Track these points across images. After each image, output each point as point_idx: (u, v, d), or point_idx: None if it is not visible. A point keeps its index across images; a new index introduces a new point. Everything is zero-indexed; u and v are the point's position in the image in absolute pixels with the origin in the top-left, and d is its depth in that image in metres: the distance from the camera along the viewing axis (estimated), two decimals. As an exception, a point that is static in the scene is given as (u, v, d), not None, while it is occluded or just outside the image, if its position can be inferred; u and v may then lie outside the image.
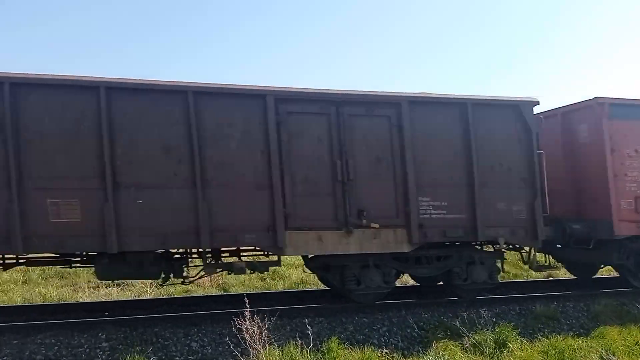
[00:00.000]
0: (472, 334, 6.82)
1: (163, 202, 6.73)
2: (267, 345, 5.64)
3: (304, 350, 6.04)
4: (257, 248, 7.53)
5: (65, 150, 6.46)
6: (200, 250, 7.32)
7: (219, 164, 6.96)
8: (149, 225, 6.66)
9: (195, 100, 6.85)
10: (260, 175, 7.11)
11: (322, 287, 10.38)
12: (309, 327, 6.26)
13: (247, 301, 6.03)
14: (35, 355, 6.11)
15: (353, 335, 7.00)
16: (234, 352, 6.28)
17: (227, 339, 6.65)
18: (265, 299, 8.46)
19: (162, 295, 9.72)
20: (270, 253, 7.59)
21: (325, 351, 6.24)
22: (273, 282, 10.67)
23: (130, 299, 9.28)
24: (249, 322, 5.70)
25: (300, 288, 10.28)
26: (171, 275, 7.47)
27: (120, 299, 9.03)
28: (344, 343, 6.56)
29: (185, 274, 7.68)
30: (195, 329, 6.91)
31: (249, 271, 7.62)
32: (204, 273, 7.69)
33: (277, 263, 7.63)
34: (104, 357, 6.14)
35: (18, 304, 8.73)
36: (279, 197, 7.10)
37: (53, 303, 8.53)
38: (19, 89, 6.33)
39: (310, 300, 8.67)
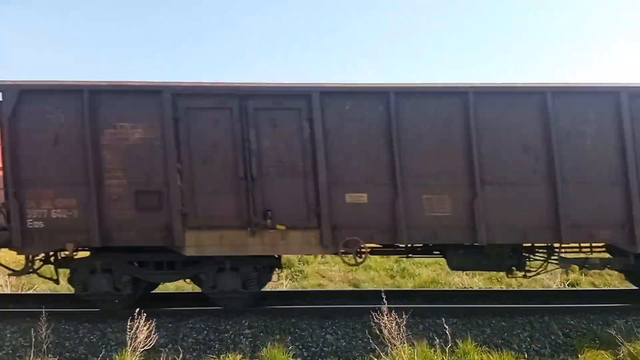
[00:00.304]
0: (629, 344, 6.17)
1: (522, 198, 7.10)
2: (405, 342, 5.62)
3: (438, 350, 5.92)
4: (612, 244, 7.44)
5: (437, 150, 7.10)
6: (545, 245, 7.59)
7: (575, 160, 7.15)
8: (510, 219, 7.08)
9: (552, 100, 7.14)
10: (614, 172, 7.17)
11: (453, 286, 10.09)
12: (447, 327, 6.09)
13: (384, 297, 6.10)
14: (187, 338, 6.72)
15: (490, 339, 6.71)
16: (367, 346, 6.38)
17: (360, 334, 6.79)
18: (396, 296, 8.43)
19: (297, 288, 10.12)
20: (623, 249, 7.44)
21: (461, 353, 6.05)
22: (402, 280, 10.58)
23: (268, 290, 9.78)
24: (387, 318, 5.71)
25: (432, 287, 10.06)
26: (514, 268, 7.73)
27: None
28: (480, 346, 6.31)
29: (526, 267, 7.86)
30: (329, 322, 7.13)
31: (602, 268, 7.63)
32: (543, 268, 7.82)
33: (630, 260, 7.45)
34: (247, 342, 6.57)
35: (171, 291, 9.64)
36: (637, 194, 7.10)
37: (201, 292, 9.29)
38: (399, 97, 7.07)
39: (442, 300, 8.47)
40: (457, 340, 6.23)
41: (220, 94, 7.00)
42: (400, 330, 5.60)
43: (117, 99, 6.96)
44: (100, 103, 6.93)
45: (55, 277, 7.67)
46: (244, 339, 6.65)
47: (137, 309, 5.74)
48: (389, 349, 5.65)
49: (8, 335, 6.75)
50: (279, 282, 10.58)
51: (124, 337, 6.51)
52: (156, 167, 6.94)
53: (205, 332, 6.87)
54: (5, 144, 6.89)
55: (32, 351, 5.72)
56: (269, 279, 7.76)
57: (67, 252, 7.11)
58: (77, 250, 7.42)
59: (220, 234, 7.00)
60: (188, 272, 7.42)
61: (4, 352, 6.32)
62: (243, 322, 7.10)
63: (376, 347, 5.90)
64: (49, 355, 5.84)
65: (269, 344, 6.24)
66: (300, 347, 6.48)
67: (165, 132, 6.91)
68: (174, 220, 6.92)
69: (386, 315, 5.74)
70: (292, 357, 6.07)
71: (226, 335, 6.78)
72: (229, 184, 6.97)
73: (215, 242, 7.01)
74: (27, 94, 6.88)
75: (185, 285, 10.11)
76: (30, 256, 7.26)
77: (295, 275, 11.23)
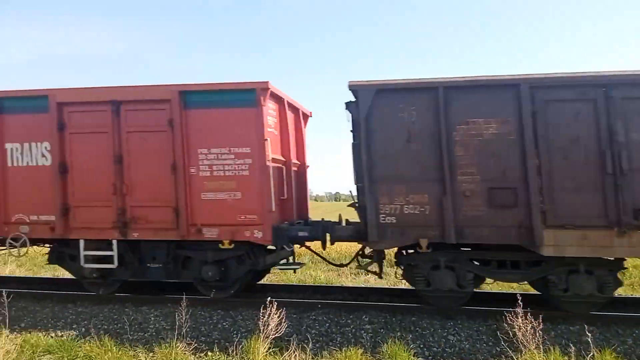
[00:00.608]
0: None
1: None
2: (540, 346, 5.33)
3: (573, 358, 5.52)
4: None
5: None
6: None
7: None
8: None
9: None
10: None
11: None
12: (589, 334, 5.60)
13: (519, 298, 5.85)
14: (310, 329, 6.94)
15: (632, 350, 6.11)
16: (493, 350, 6.13)
17: (485, 336, 6.54)
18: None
19: (416, 287, 9.98)
20: None
21: (598, 363, 5.59)
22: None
23: (386, 287, 9.79)
24: (522, 320, 5.46)
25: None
26: None
27: (378, 286, 9.60)
28: (621, 357, 5.77)
29: None
30: (451, 323, 6.96)
31: None
32: None
33: None
34: (367, 337, 6.63)
35: (294, 283, 10.03)
36: None
37: (322, 285, 9.56)
38: None
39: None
40: (593, 349, 5.76)
41: (582, 84, 6.70)
42: (536, 334, 5.31)
43: (470, 94, 6.95)
44: (452, 99, 6.97)
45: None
46: (365, 334, 6.73)
47: (269, 298, 6.04)
48: (521, 354, 5.39)
49: (152, 318, 7.47)
50: (398, 280, 10.55)
51: (252, 325, 6.94)
52: (511, 163, 6.82)
53: (327, 324, 7.05)
54: (362, 142, 7.14)
55: (175, 334, 6.26)
56: (621, 283, 7.23)
57: (420, 248, 7.14)
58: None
59: (583, 233, 6.62)
60: (535, 272, 7.15)
61: (149, 334, 7.01)
62: (363, 317, 7.18)
63: (507, 349, 5.67)
64: (187, 338, 6.35)
65: (390, 340, 6.24)
66: (422, 346, 6.40)
67: (522, 127, 6.76)
68: (532, 218, 6.69)
69: (521, 318, 5.48)
70: (414, 356, 6.02)
71: (347, 329, 6.91)
72: (592, 179, 6.64)
73: (576, 242, 6.64)
74: (381, 94, 7.10)
75: (307, 279, 10.47)
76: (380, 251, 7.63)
77: (414, 273, 11.09)
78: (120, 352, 6.11)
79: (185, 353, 6.02)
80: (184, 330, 6.32)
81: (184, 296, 6.86)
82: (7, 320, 6.90)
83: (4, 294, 6.96)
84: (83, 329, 7.15)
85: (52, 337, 6.73)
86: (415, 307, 7.49)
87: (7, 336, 6.44)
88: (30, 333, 6.77)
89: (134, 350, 6.29)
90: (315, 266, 11.49)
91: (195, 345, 6.31)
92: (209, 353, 6.17)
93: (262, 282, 10.29)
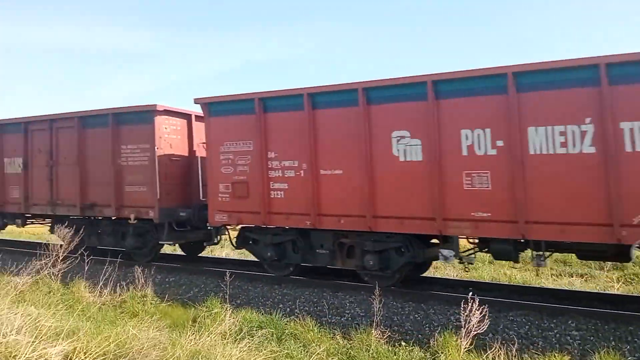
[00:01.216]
0: None
1: None
2: None
3: None
4: None
5: None
6: None
7: None
8: None
9: None
10: None
11: None
12: None
13: None
14: (508, 330, 6.62)
15: None
16: None
17: None
18: None
19: (632, 292, 8.83)
20: None
21: None
22: None
23: (594, 291, 8.83)
24: None
25: None
26: None
27: (585, 290, 8.71)
28: None
29: None
30: (682, 338, 6.00)
31: None
32: None
33: None
34: (574, 344, 6.08)
35: (487, 281, 9.62)
36: None
37: (519, 285, 9.01)
38: None
39: None
40: None
41: None
42: None
43: None
44: None
45: None
46: (571, 340, 6.19)
47: (470, 294, 5.93)
48: None
49: (347, 304, 7.87)
50: (609, 285, 9.46)
51: (445, 320, 6.87)
52: None
53: (526, 326, 6.64)
54: None
55: (369, 321, 6.52)
56: None
57: None
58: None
59: None
60: None
61: (345, 318, 7.41)
62: (569, 322, 6.58)
63: None
64: (381, 326, 6.54)
65: (603, 350, 5.62)
66: (641, 360, 5.65)
67: None
68: None
69: None
70: (632, 370, 5.35)
71: (550, 333, 6.41)
72: None
73: None
74: None
75: (500, 277, 10.00)
76: None
77: (630, 278, 9.81)
78: (320, 334, 6.57)
79: (379, 341, 6.22)
80: (377, 319, 6.52)
81: (377, 286, 7.08)
82: (227, 297, 7.90)
83: (227, 274, 8.00)
84: (288, 309, 7.85)
85: (262, 314, 7.50)
86: (633, 316, 6.60)
87: (228, 309, 7.38)
88: (244, 309, 7.65)
89: (332, 333, 6.70)
90: (508, 264, 10.86)
91: (389, 334, 6.48)
92: (403, 343, 6.26)
93: (452, 277, 10.11)
